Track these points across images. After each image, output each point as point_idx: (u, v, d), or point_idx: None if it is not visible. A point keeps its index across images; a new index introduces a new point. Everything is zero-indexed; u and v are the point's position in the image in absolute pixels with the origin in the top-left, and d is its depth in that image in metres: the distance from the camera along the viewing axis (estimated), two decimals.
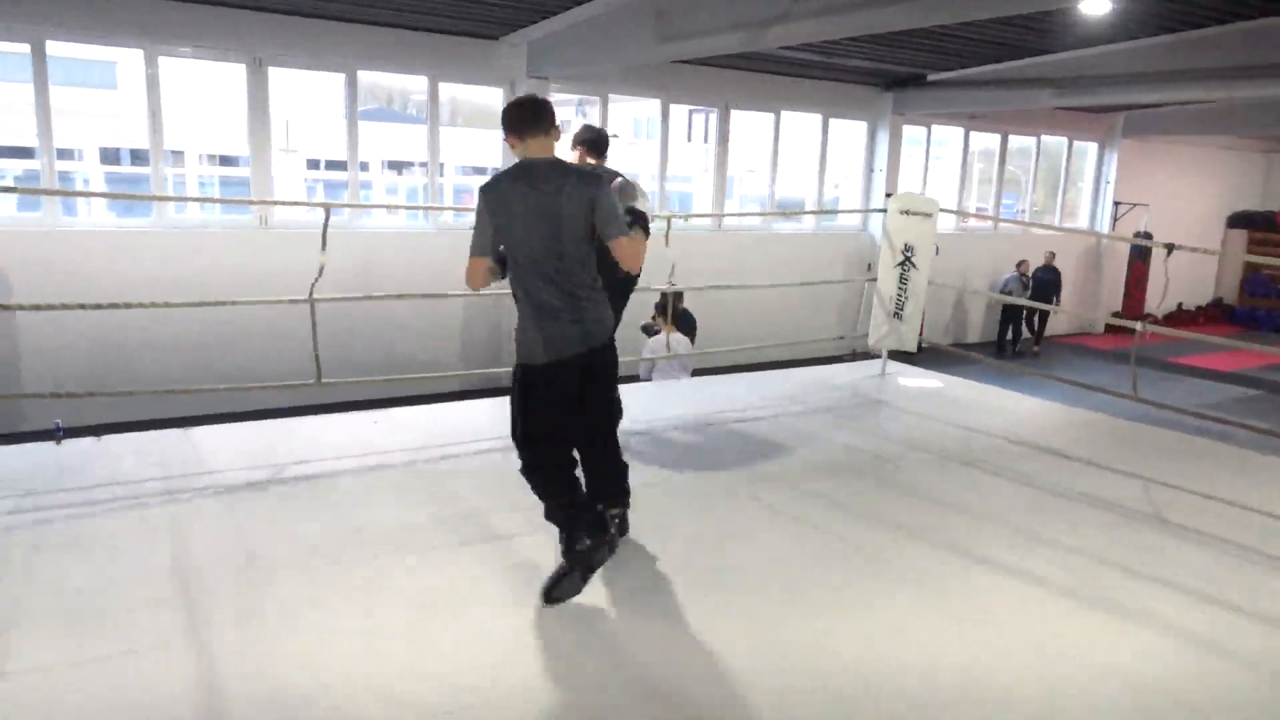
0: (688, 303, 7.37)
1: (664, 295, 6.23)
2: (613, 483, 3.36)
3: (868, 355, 6.78)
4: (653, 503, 3.85)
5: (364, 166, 14.40)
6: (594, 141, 4.25)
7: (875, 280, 6.29)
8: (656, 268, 4.71)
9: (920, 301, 6.03)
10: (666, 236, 5.36)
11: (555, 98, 10.37)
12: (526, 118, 2.98)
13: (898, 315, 6.11)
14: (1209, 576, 3.44)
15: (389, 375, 7.74)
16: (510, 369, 3.19)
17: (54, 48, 8.06)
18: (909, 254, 5.98)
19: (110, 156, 15.45)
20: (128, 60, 9.18)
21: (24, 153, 9.52)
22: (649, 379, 6.68)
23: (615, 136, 17.03)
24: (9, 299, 7.60)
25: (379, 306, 8.89)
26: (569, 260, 2.96)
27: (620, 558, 3.26)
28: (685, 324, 7.05)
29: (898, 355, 6.55)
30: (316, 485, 3.99)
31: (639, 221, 3.18)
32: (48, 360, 8.02)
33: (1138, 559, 3.57)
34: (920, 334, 6.25)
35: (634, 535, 3.52)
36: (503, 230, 2.96)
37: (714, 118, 12.20)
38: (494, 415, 4.72)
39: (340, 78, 9.23)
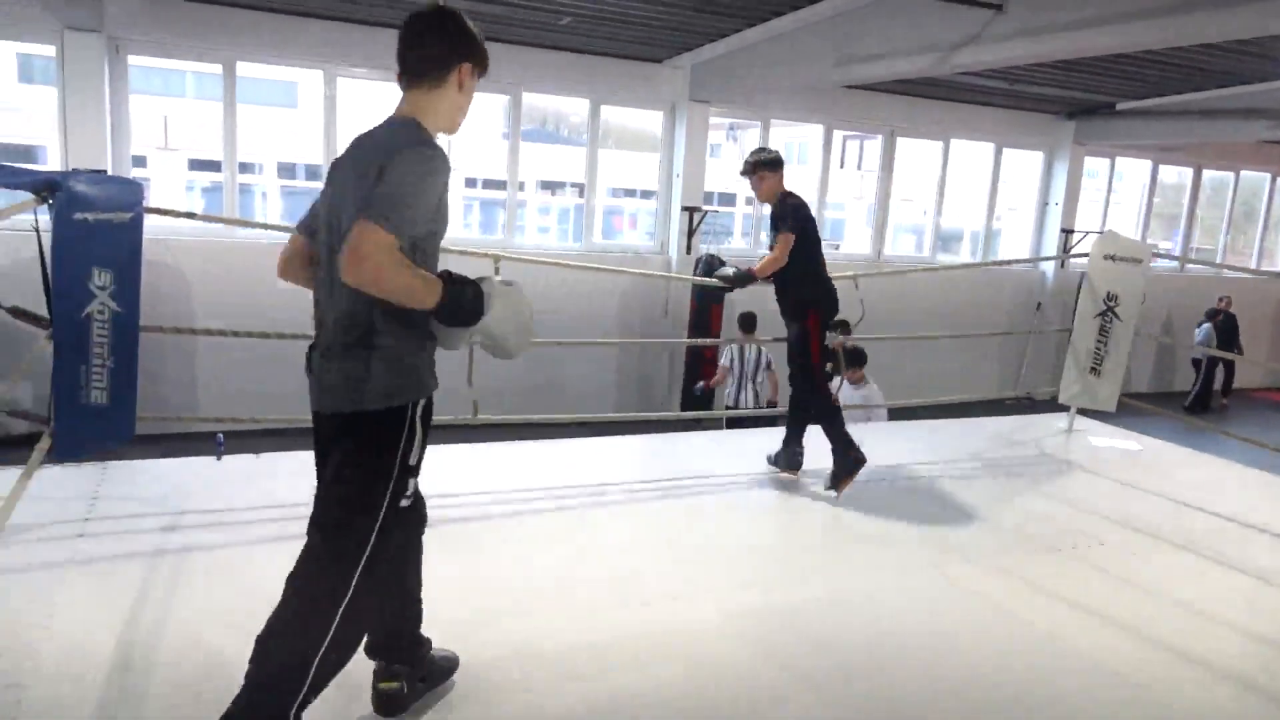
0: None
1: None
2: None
3: (1032, 402, 6.20)
4: (816, 554, 3.50)
5: (519, 186, 14.65)
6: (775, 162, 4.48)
7: (1058, 327, 5.72)
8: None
9: (1123, 358, 5.43)
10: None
11: (711, 121, 10.16)
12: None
13: (1094, 371, 5.52)
14: None
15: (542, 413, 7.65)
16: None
17: (243, 68, 8.46)
18: (1112, 303, 5.40)
19: (286, 171, 16.31)
20: (308, 80, 9.54)
21: (211, 165, 10.04)
22: None
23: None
24: (189, 304, 7.96)
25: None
26: None
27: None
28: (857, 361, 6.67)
29: (1087, 410, 5.93)
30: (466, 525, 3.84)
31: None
32: (219, 369, 8.35)
33: None
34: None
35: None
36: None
37: (869, 145, 11.70)
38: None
39: (503, 99, 9.32)
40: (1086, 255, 5.66)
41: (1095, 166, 13.07)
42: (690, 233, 9.95)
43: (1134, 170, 13.54)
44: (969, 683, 2.84)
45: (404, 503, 2.09)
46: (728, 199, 16.18)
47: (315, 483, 2.15)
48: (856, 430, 4.52)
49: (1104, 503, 4.63)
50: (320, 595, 2.00)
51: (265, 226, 5.10)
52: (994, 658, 3.01)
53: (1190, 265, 13.76)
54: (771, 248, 4.35)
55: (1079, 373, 5.57)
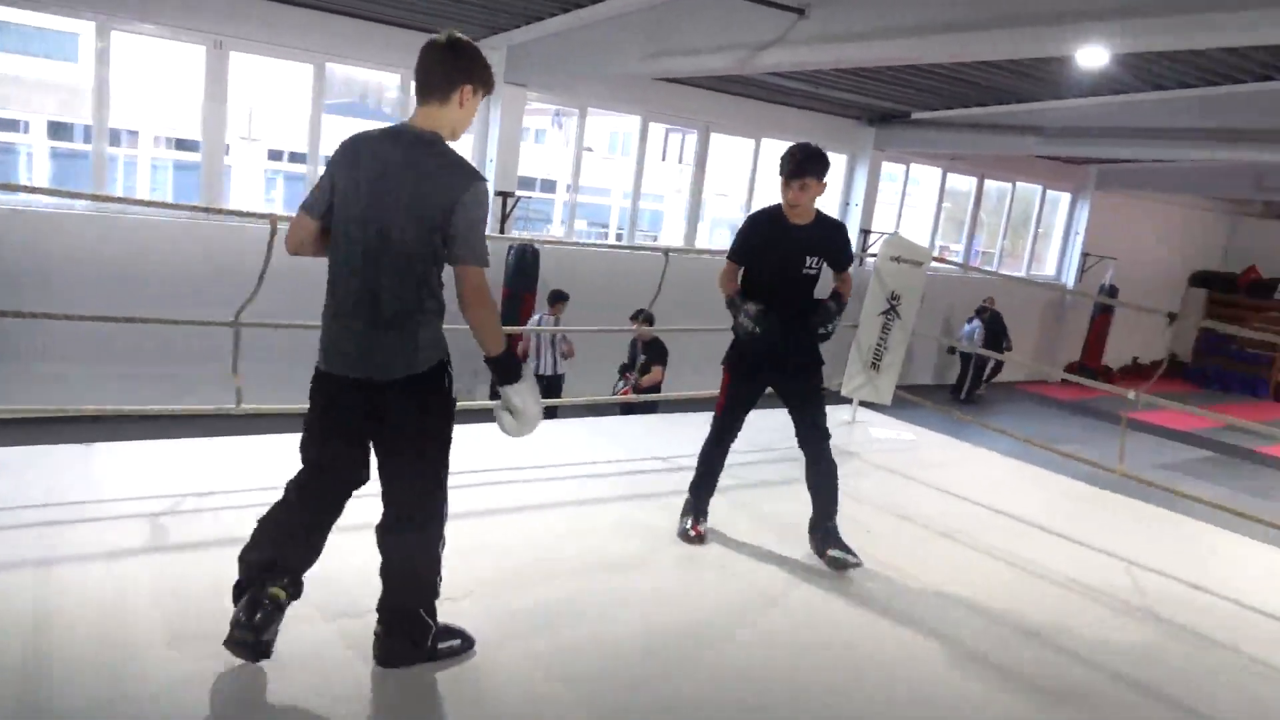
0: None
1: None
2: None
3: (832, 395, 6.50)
4: (596, 538, 3.50)
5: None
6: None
7: (848, 323, 6.01)
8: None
9: (900, 354, 5.77)
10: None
11: (532, 107, 10.05)
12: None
13: (875, 366, 5.84)
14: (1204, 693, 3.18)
15: None
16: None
17: (6, 14, 7.55)
18: (895, 302, 5.72)
19: (63, 132, 14.75)
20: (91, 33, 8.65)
21: None
22: None
23: (589, 150, 16.64)
24: None
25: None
26: None
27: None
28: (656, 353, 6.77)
29: (868, 402, 6.27)
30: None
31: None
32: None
33: (1129, 664, 3.30)
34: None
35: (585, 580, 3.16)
36: None
37: (691, 138, 11.95)
38: None
39: (308, 68, 8.80)
40: (875, 255, 5.96)
41: (893, 171, 13.91)
42: (504, 218, 9.77)
43: (928, 176, 14.52)
44: (724, 665, 2.91)
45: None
46: (549, 185, 16.08)
47: (335, 443, 2.53)
48: (648, 421, 4.55)
49: (876, 491, 4.89)
50: (428, 519, 2.56)
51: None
52: (753, 639, 3.11)
53: (970, 268, 14.90)
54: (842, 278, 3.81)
55: (862, 367, 5.87)
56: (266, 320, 4.48)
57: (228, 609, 2.51)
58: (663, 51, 7.47)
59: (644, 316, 8.20)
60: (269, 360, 5.16)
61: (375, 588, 2.60)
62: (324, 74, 8.84)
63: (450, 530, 2.63)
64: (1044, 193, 15.99)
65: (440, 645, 2.67)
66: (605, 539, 3.83)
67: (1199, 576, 4.18)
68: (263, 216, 4.12)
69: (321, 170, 2.57)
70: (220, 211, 6.07)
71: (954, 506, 4.83)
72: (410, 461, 2.51)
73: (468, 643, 2.75)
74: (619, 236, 12.70)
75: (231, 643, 2.44)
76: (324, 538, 2.58)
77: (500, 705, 2.61)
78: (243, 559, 2.53)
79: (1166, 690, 3.14)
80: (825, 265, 3.71)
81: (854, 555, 3.67)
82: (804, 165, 3.55)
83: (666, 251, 5.28)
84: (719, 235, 15.10)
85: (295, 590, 2.53)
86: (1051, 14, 4.87)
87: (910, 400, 6.60)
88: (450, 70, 2.42)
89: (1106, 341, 16.49)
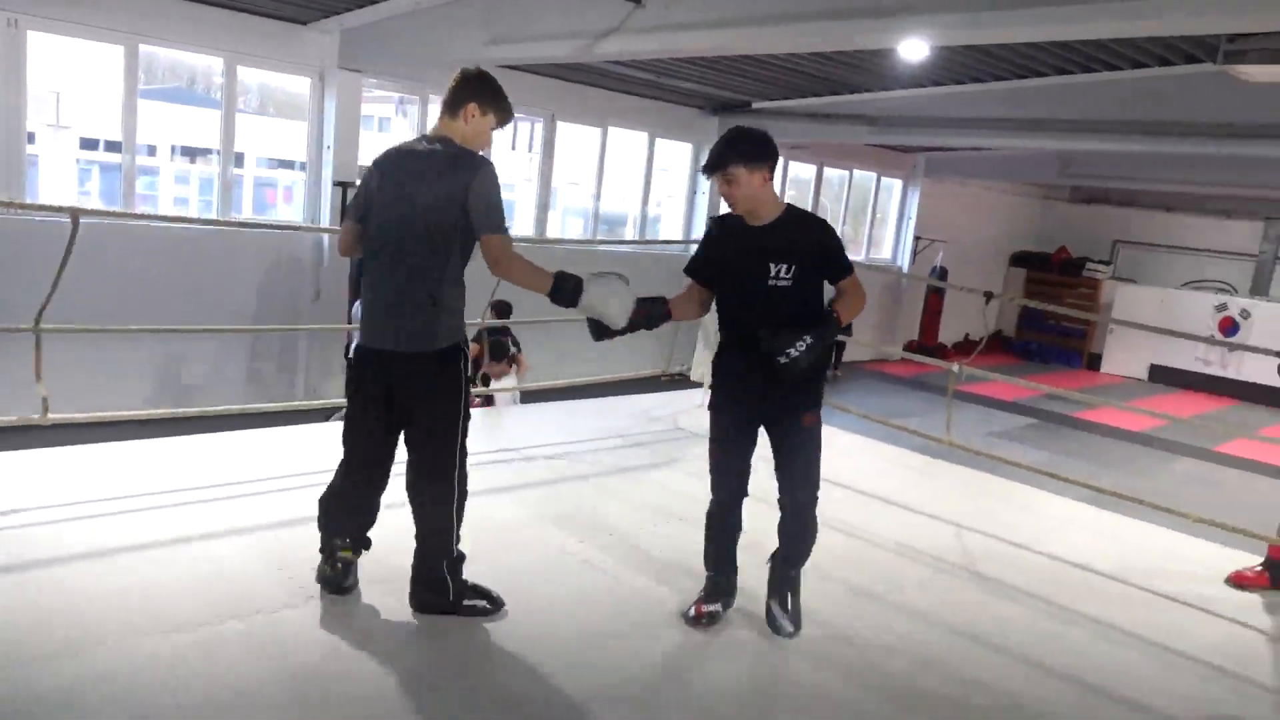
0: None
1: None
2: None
3: (687, 380, 6.64)
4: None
5: (151, 150, 13.00)
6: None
7: None
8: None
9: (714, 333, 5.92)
10: None
11: (372, 95, 9.71)
12: None
13: None
14: (1029, 635, 3.43)
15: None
16: None
17: None
18: None
19: None
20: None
21: None
22: None
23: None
24: None
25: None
26: None
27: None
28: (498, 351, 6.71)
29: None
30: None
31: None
32: None
33: (959, 615, 3.52)
34: None
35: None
36: None
37: (540, 127, 11.85)
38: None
39: (119, 50, 8.18)
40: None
41: None
42: (344, 209, 9.42)
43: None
44: (575, 644, 2.92)
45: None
46: None
47: (376, 412, 2.95)
48: (495, 414, 4.49)
49: None
50: (444, 474, 2.94)
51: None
52: (603, 621, 3.13)
53: None
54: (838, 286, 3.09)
55: (708, 350, 5.99)
56: (72, 325, 4.14)
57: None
58: (503, 38, 7.37)
59: (495, 306, 8.10)
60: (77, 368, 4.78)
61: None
62: (136, 56, 8.23)
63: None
64: (878, 180, 16.77)
65: (465, 602, 3.02)
66: None
67: (1018, 534, 4.51)
68: (61, 210, 3.80)
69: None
70: (13, 205, 5.53)
71: None
72: (433, 419, 2.93)
73: (495, 605, 3.06)
74: None
75: (324, 589, 3.05)
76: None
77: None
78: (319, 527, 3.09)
79: (990, 640, 3.37)
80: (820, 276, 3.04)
81: (789, 625, 3.21)
82: (723, 155, 2.98)
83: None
84: (572, 224, 15.07)
85: (358, 547, 3.08)
86: (874, 8, 5.09)
87: None
88: (462, 91, 2.96)
89: (941, 320, 17.47)
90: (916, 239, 17.26)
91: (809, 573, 3.74)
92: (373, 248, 2.92)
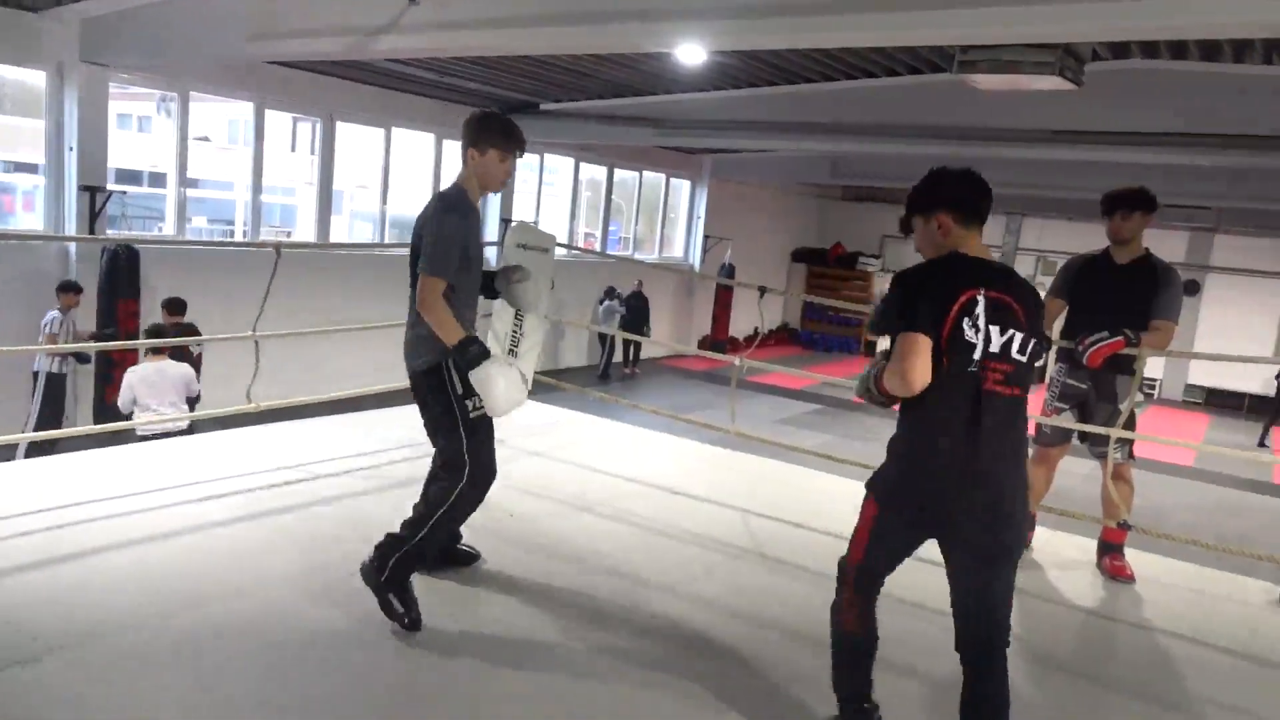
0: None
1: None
2: None
3: None
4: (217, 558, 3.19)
5: None
6: None
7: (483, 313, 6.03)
8: None
9: (537, 339, 5.87)
10: None
11: (134, 92, 8.90)
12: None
13: (512, 353, 5.90)
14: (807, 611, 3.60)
15: None
16: None
17: None
18: None
19: None
20: None
21: None
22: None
23: (205, 140, 15.15)
24: None
25: None
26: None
27: None
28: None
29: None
30: None
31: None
32: None
33: (745, 600, 3.65)
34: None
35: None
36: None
37: (319, 128, 11.30)
38: None
39: None
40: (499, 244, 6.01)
41: (529, 160, 14.21)
42: (93, 217, 8.56)
43: (564, 166, 15.01)
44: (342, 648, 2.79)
45: (473, 414, 3.19)
46: (159, 179, 14.39)
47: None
48: (277, 430, 4.20)
49: (521, 474, 4.96)
50: (451, 470, 3.22)
51: None
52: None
53: (616, 253, 15.70)
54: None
55: (501, 354, 5.90)
56: None
57: None
58: (267, 33, 6.94)
59: (169, 304, 7.62)
60: None
61: None
62: None
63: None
64: (668, 181, 17.27)
65: (389, 595, 3.09)
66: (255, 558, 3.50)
67: (801, 515, 4.74)
68: None
69: None
70: None
71: (593, 480, 5.04)
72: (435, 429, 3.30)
73: (412, 623, 3.08)
74: (245, 234, 11.70)
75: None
76: None
77: None
78: None
79: (782, 622, 3.51)
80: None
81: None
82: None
83: (278, 246, 4.92)
84: (360, 229, 14.48)
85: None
86: (645, 11, 5.19)
87: (555, 385, 6.80)
88: (462, 139, 3.23)
89: (731, 315, 18.21)
90: (706, 238, 17.90)
91: (612, 574, 3.76)
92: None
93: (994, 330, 2.39)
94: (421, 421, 3.34)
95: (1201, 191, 13.37)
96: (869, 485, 2.63)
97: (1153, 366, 17.43)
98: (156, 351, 6.60)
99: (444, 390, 3.19)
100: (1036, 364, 2.48)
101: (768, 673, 3.10)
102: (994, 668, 2.47)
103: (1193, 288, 17.48)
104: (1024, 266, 19.41)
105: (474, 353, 3.07)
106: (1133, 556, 4.34)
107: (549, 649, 3.13)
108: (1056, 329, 4.33)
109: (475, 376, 3.07)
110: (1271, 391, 17.06)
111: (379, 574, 3.11)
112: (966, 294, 2.39)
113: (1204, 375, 17.98)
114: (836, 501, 5.16)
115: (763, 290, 5.24)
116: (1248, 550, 4.48)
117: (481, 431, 3.24)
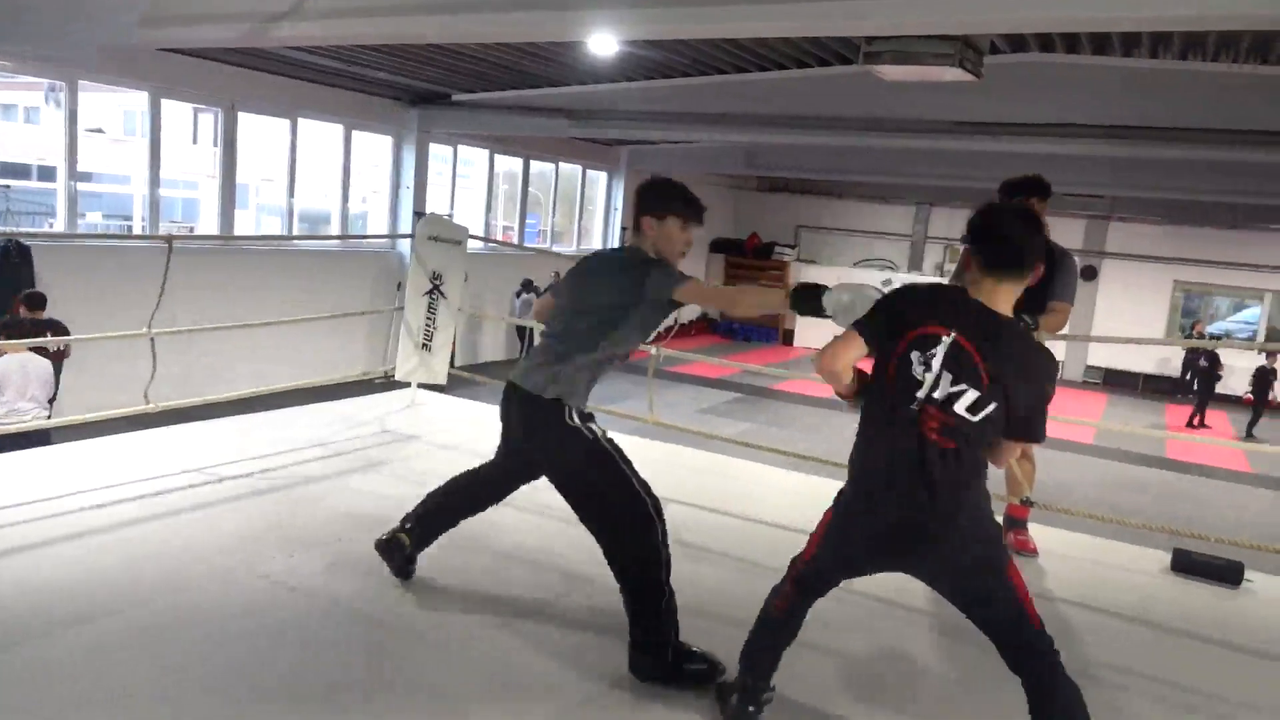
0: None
1: None
2: None
3: (402, 383, 6.40)
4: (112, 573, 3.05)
5: None
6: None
7: (394, 306, 5.93)
8: None
9: (450, 332, 5.80)
10: None
11: (15, 80, 8.42)
12: None
13: (426, 346, 5.81)
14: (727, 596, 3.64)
15: None
16: None
17: None
18: (438, 282, 5.72)
19: None
20: None
21: None
22: None
23: (99, 132, 14.53)
24: None
25: None
26: None
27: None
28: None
29: (434, 386, 6.26)
30: None
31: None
32: None
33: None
34: (451, 364, 6.04)
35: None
36: None
37: (220, 118, 10.90)
38: None
39: None
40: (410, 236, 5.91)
41: (444, 152, 13.99)
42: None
43: (479, 157, 14.82)
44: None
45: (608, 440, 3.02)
46: (48, 173, 13.70)
47: None
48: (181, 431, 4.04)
49: (437, 471, 4.86)
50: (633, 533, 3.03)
51: None
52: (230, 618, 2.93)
53: (531, 245, 15.59)
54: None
55: (414, 348, 5.82)
56: None
57: None
58: (159, 17, 6.63)
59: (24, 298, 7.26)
60: None
61: None
62: None
63: None
64: (584, 173, 17.21)
65: (683, 669, 2.88)
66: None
67: (717, 501, 4.78)
68: None
69: None
70: None
71: None
72: None
73: (712, 667, 2.90)
74: (144, 228, 11.24)
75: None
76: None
77: None
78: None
79: (697, 606, 3.53)
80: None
81: None
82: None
83: (169, 239, 4.71)
84: (268, 223, 14.05)
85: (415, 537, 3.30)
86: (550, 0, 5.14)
87: (474, 379, 6.71)
88: (635, 205, 3.06)
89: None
90: (623, 230, 17.92)
91: (522, 563, 3.73)
92: None
93: (945, 377, 2.26)
94: (570, 500, 3.04)
95: (1096, 181, 13.96)
96: (837, 495, 2.55)
97: (1055, 349, 18.24)
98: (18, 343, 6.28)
99: (585, 439, 2.95)
100: (991, 430, 2.30)
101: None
102: (1047, 676, 2.34)
103: (1090, 273, 18.26)
104: (933, 255, 20.00)
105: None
106: (1036, 531, 4.50)
107: (465, 642, 3.09)
108: None
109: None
110: (1165, 371, 17.95)
111: (657, 667, 2.84)
112: (932, 328, 2.28)
113: (1102, 356, 18.78)
114: (754, 487, 5.25)
115: None
116: (1141, 522, 4.71)
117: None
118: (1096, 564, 4.35)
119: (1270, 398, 14.94)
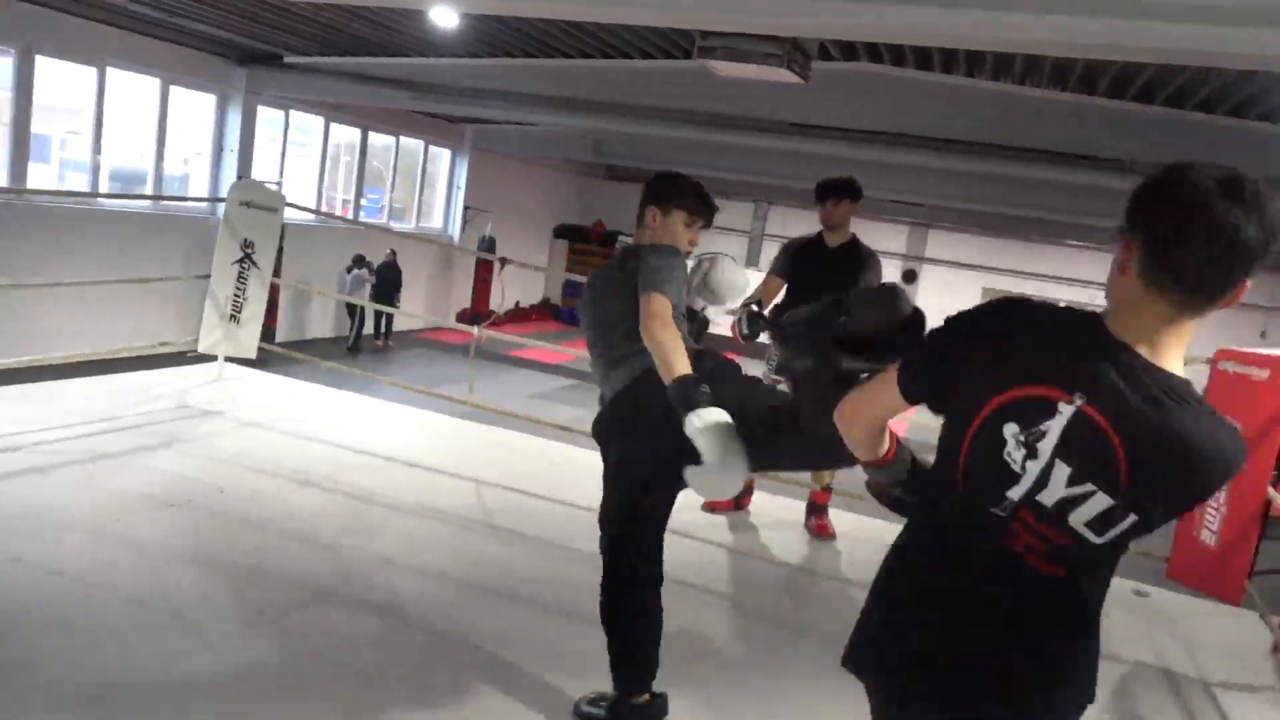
0: None
1: None
2: None
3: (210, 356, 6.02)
4: None
5: None
6: None
7: (199, 274, 5.57)
8: None
9: (261, 303, 5.50)
10: None
11: None
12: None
13: (234, 318, 5.49)
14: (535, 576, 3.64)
15: None
16: None
17: None
18: (249, 250, 5.41)
19: None
20: None
21: None
22: None
23: None
24: None
25: None
26: None
27: None
28: None
29: (243, 360, 5.92)
30: None
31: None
32: None
33: (474, 571, 3.62)
34: (267, 337, 5.74)
35: None
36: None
37: (10, 61, 9.86)
38: None
39: None
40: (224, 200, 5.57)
41: (275, 117, 13.24)
42: None
43: (316, 125, 14.11)
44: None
45: None
46: None
47: None
48: None
49: (241, 449, 4.64)
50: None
51: None
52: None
53: (366, 220, 15.02)
54: None
55: (219, 319, 5.49)
56: None
57: None
58: None
59: None
60: None
61: None
62: None
63: None
64: (427, 148, 16.73)
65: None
66: None
67: (536, 486, 4.77)
68: None
69: None
70: None
71: (321, 453, 4.80)
72: None
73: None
74: None
75: None
76: None
77: None
78: None
79: (519, 592, 3.51)
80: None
81: None
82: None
83: None
84: (74, 179, 12.88)
85: None
86: None
87: (290, 355, 6.40)
88: (642, 197, 2.76)
89: (492, 288, 18.00)
90: (466, 209, 17.56)
91: (325, 549, 3.59)
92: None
93: (1059, 469, 1.36)
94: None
95: (919, 189, 14.80)
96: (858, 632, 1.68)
97: None
98: None
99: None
100: (1117, 555, 1.44)
101: (494, 643, 3.09)
102: None
103: (910, 276, 19.39)
104: (769, 251, 20.68)
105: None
106: (835, 516, 4.74)
107: (257, 629, 2.94)
108: (775, 305, 4.63)
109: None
110: None
111: None
112: (1041, 390, 1.35)
113: None
114: (574, 472, 5.26)
115: (503, 262, 5.20)
116: None
117: None
118: (888, 546, 4.62)
119: None
